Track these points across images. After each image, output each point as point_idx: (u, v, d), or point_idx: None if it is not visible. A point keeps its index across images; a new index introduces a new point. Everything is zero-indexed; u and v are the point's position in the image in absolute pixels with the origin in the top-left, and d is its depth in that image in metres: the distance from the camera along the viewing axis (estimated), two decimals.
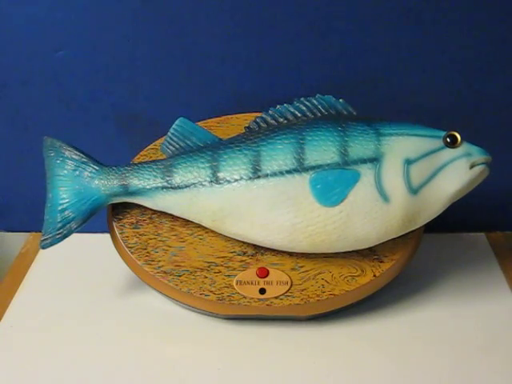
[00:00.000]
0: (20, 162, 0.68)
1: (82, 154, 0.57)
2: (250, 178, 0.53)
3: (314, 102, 0.55)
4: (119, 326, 0.58)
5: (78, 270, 0.65)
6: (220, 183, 0.54)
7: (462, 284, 0.62)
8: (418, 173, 0.52)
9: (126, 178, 0.56)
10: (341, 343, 0.56)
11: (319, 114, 0.55)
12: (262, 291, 0.55)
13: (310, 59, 0.63)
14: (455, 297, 0.60)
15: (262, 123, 0.56)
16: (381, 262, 0.56)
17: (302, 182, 0.53)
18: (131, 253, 0.57)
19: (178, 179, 0.55)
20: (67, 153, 0.57)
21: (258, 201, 0.53)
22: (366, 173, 0.52)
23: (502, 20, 0.62)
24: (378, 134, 0.53)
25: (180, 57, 0.64)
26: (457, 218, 0.66)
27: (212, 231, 0.56)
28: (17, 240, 0.72)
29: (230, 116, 0.60)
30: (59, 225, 0.56)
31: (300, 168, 0.53)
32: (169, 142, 0.57)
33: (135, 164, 0.57)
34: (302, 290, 0.55)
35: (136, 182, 0.56)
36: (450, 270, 0.63)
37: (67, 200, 0.56)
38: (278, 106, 0.56)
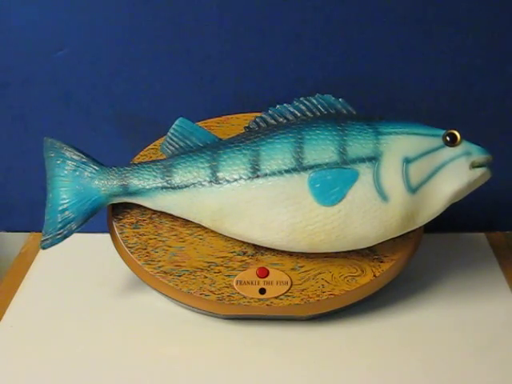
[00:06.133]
0: (20, 162, 0.68)
1: (82, 155, 0.57)
2: (250, 178, 0.53)
3: (314, 101, 0.55)
4: (119, 325, 0.58)
5: (78, 270, 0.65)
6: (219, 183, 0.54)
7: (461, 284, 0.62)
8: (417, 172, 0.52)
9: (126, 178, 0.56)
10: (341, 343, 0.56)
11: (319, 114, 0.55)
12: (262, 291, 0.55)
13: (309, 59, 0.63)
14: (455, 297, 0.60)
15: (261, 123, 0.56)
16: (381, 262, 0.56)
17: (301, 181, 0.53)
18: (131, 253, 0.57)
19: (177, 179, 0.55)
20: (67, 153, 0.57)
21: (258, 200, 0.53)
22: (365, 172, 0.52)
23: (502, 20, 0.62)
24: (376, 132, 0.53)
25: (180, 57, 0.64)
26: (457, 218, 0.66)
27: (212, 231, 0.56)
28: (17, 240, 0.72)
29: (230, 116, 0.60)
30: (59, 225, 0.56)
31: (299, 167, 0.53)
32: (169, 142, 0.57)
33: (135, 164, 0.57)
34: (302, 290, 0.55)
35: (136, 182, 0.56)
36: (449, 269, 0.63)
37: (67, 200, 0.56)
38: (278, 106, 0.56)
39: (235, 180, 0.54)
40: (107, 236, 0.59)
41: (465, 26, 0.62)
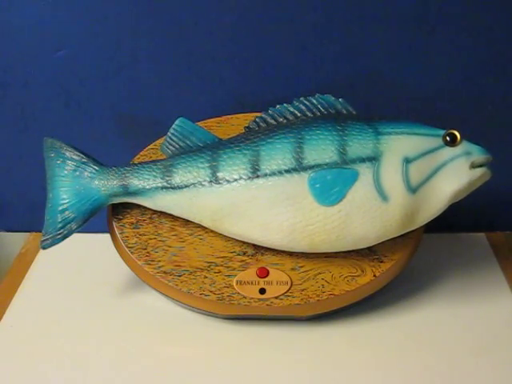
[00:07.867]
0: (20, 161, 0.68)
1: (82, 155, 0.57)
2: (250, 178, 0.53)
3: (314, 101, 0.55)
4: (119, 325, 0.58)
5: (78, 270, 0.65)
6: (219, 183, 0.54)
7: (461, 284, 0.62)
8: (417, 172, 0.52)
9: (126, 178, 0.56)
10: (341, 343, 0.56)
11: (319, 114, 0.55)
12: (262, 291, 0.55)
13: (309, 59, 0.63)
14: (455, 297, 0.60)
15: (261, 123, 0.56)
16: (381, 262, 0.56)
17: (301, 181, 0.53)
18: (131, 253, 0.57)
19: (177, 179, 0.55)
20: (67, 153, 0.57)
21: (257, 200, 0.53)
22: (365, 172, 0.52)
23: (502, 20, 0.62)
24: (376, 132, 0.53)
25: (180, 57, 0.64)
26: (457, 218, 0.66)
27: (212, 231, 0.56)
28: (17, 240, 0.72)
29: (229, 116, 0.60)
30: (59, 225, 0.56)
31: (299, 167, 0.53)
32: (168, 142, 0.57)
33: (135, 164, 0.57)
34: (302, 290, 0.55)
35: (136, 182, 0.56)
36: (450, 269, 0.63)
37: (67, 200, 0.56)
38: (278, 106, 0.56)
39: (235, 180, 0.54)
40: (107, 236, 0.59)
41: (465, 26, 0.62)
